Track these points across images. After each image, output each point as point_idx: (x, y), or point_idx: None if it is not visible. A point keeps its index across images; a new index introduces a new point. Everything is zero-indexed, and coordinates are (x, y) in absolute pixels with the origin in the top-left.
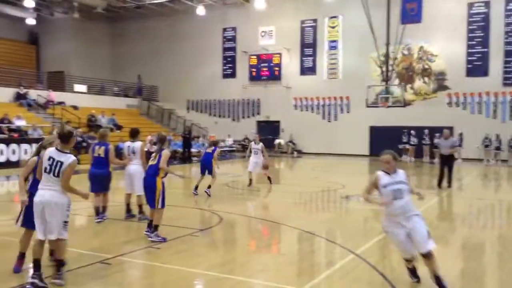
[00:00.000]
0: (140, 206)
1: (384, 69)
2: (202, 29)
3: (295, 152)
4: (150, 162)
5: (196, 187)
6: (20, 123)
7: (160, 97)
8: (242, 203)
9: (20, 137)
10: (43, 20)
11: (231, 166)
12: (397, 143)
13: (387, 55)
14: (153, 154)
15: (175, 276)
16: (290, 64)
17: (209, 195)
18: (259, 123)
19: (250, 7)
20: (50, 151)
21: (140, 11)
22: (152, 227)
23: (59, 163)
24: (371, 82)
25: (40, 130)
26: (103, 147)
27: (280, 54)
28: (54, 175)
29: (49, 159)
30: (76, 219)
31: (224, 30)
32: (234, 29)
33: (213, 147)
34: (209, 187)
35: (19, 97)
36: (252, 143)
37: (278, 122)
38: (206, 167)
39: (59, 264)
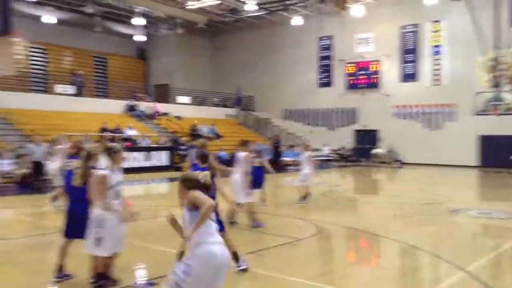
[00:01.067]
0: (251, 214)
1: (493, 74)
2: (298, 39)
3: (396, 162)
4: None
5: (304, 197)
6: (131, 132)
7: (256, 107)
8: (339, 214)
9: (132, 145)
10: (151, 37)
11: (327, 175)
12: (508, 153)
13: (495, 60)
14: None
15: (277, 284)
16: (389, 71)
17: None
18: (357, 132)
19: (346, 15)
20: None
21: (238, 24)
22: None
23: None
24: (479, 88)
25: (148, 139)
26: None
27: (378, 61)
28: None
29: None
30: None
31: (320, 39)
32: (330, 37)
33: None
34: (305, 197)
35: (130, 108)
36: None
37: (376, 131)
38: None
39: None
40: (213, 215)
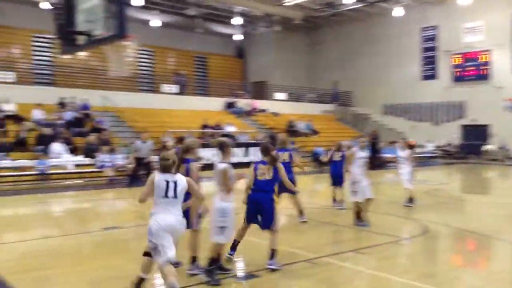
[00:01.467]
0: (359, 213)
1: None
2: (399, 30)
3: (508, 159)
4: (263, 177)
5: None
6: (230, 129)
7: (355, 102)
8: (446, 213)
9: (232, 141)
10: (248, 35)
11: (432, 173)
12: None
13: None
14: (263, 167)
15: (382, 283)
16: (501, 61)
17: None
18: (464, 127)
19: (452, 3)
20: None
21: (335, 18)
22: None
23: None
24: None
25: (247, 135)
26: (287, 153)
27: (488, 51)
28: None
29: None
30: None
31: (423, 29)
32: (434, 27)
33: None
34: (411, 199)
35: (229, 105)
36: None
37: (486, 126)
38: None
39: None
40: None
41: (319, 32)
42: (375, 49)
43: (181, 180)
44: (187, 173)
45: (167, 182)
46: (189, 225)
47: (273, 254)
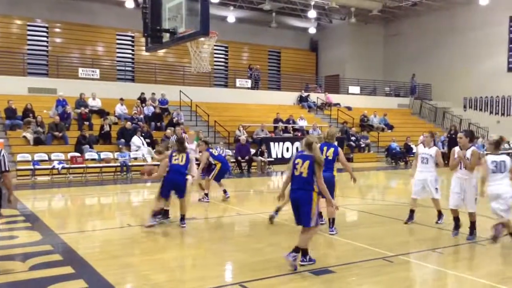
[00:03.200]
0: (439, 212)
1: None
2: (484, 20)
3: None
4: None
5: None
6: (302, 123)
7: (433, 96)
8: None
9: (302, 136)
10: (322, 28)
11: None
12: None
13: None
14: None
15: (464, 285)
16: None
17: None
18: None
19: None
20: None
21: (415, 8)
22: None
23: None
24: None
25: (319, 129)
26: (332, 149)
27: None
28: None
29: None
30: (353, 214)
31: None
32: None
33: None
34: None
35: (302, 99)
36: (420, 146)
37: None
38: None
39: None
40: None
41: (397, 23)
42: (457, 39)
43: None
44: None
45: None
46: None
47: (303, 251)
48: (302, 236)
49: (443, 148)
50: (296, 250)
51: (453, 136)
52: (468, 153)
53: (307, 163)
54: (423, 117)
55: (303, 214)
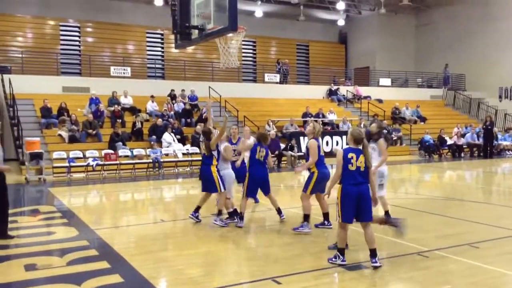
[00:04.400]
0: None
1: None
2: None
3: None
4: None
5: None
6: (332, 117)
7: (467, 86)
8: None
9: (332, 130)
10: (351, 20)
11: None
12: None
13: None
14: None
15: (503, 280)
16: None
17: None
18: None
19: None
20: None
21: None
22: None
23: None
24: None
25: (349, 123)
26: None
27: None
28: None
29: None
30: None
31: None
32: None
33: None
34: None
35: (331, 93)
36: None
37: None
38: None
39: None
40: None
41: (428, 12)
42: (492, 27)
43: None
44: None
45: None
46: None
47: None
48: (369, 233)
49: (478, 140)
50: (373, 254)
51: (489, 127)
52: None
53: (362, 157)
54: (457, 108)
55: (367, 208)
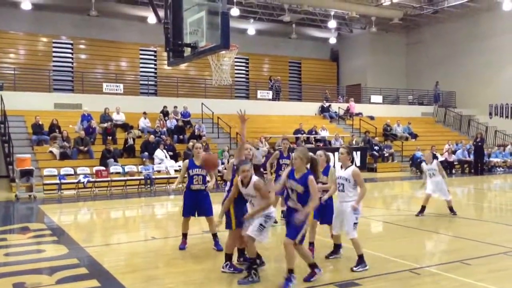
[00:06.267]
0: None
1: None
2: (508, 25)
3: None
4: None
5: None
6: (324, 133)
7: (458, 103)
8: None
9: (324, 146)
10: (343, 38)
11: None
12: None
13: None
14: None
15: None
16: None
17: None
18: None
19: None
20: None
21: (436, 15)
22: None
23: None
24: None
25: (341, 139)
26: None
27: None
28: None
29: None
30: (378, 225)
31: None
32: None
33: None
34: None
35: (323, 110)
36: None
37: None
38: None
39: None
40: None
41: (419, 31)
42: (481, 46)
43: None
44: None
45: None
46: None
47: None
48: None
49: (469, 156)
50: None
51: (479, 144)
52: None
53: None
54: (448, 125)
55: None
